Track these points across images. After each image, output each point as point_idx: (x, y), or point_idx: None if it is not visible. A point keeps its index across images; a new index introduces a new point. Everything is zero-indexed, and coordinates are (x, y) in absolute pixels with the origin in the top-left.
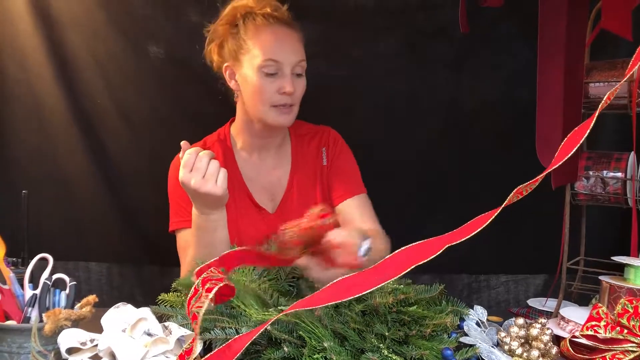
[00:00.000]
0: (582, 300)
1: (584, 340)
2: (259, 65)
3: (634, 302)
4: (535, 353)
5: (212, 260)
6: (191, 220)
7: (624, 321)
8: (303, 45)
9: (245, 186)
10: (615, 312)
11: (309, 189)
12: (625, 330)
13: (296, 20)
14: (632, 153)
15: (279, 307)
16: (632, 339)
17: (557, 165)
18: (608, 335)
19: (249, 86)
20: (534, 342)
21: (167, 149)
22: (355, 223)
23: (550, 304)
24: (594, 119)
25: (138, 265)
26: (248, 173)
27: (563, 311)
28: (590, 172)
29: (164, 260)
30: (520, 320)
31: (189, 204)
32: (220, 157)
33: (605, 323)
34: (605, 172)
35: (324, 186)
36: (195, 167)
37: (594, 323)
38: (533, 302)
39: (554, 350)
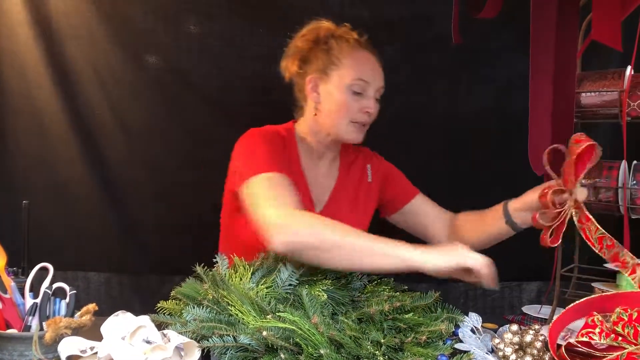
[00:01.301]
0: None
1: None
2: (349, 83)
3: (629, 310)
4: (528, 359)
5: None
6: (281, 168)
7: (619, 329)
8: None
9: (305, 179)
10: (610, 320)
11: (351, 201)
12: (620, 338)
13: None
14: (624, 161)
15: (277, 314)
16: (627, 346)
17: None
18: (603, 342)
19: (332, 100)
20: (527, 349)
21: (166, 158)
22: (433, 211)
23: (545, 311)
24: None
25: (137, 275)
26: (307, 169)
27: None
28: (583, 181)
29: (163, 269)
30: (515, 327)
31: (280, 154)
32: (288, 146)
33: (600, 330)
34: (597, 180)
35: (366, 202)
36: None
37: (589, 330)
38: (528, 309)
39: (547, 356)
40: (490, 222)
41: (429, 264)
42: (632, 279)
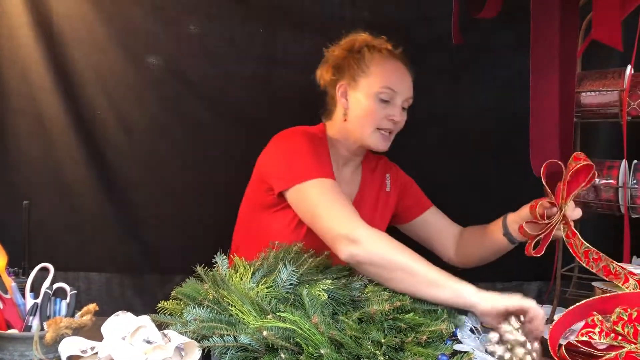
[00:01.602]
0: None
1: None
2: (376, 91)
3: (629, 309)
4: (520, 351)
5: None
6: (330, 172)
7: (619, 328)
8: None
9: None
10: (610, 320)
11: (370, 210)
12: (620, 337)
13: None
14: (624, 161)
15: (277, 314)
16: (627, 345)
17: None
18: (603, 341)
19: (360, 107)
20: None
21: (167, 158)
22: (444, 224)
23: (545, 310)
24: None
25: (138, 275)
26: (335, 173)
27: (558, 317)
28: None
29: (164, 269)
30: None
31: (327, 157)
32: (321, 148)
33: (600, 330)
34: (597, 179)
35: (384, 209)
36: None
37: (589, 330)
38: None
39: (535, 344)
40: (491, 236)
41: (486, 302)
42: (626, 288)
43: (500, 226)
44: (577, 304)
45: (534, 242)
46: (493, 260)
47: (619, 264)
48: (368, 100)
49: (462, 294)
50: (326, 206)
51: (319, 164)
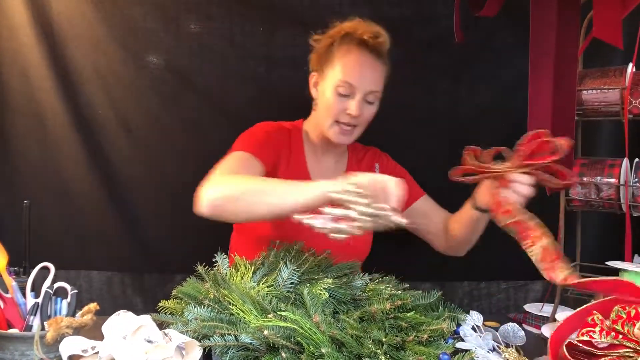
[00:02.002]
0: (578, 305)
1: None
2: (335, 84)
3: (627, 307)
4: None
5: None
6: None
7: (619, 327)
8: (384, 78)
9: (308, 172)
10: (609, 319)
11: None
12: (621, 336)
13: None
14: (625, 159)
15: (278, 313)
16: (628, 344)
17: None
18: (603, 340)
19: (323, 99)
20: None
21: (167, 158)
22: (435, 213)
23: (547, 309)
24: None
25: (139, 274)
26: (311, 163)
27: (559, 316)
28: (584, 179)
29: (165, 268)
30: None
31: (275, 143)
32: (293, 140)
33: (600, 329)
34: (598, 178)
35: None
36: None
37: (589, 329)
38: (530, 308)
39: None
40: (466, 213)
41: (321, 189)
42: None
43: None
44: (576, 310)
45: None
46: (475, 241)
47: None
48: (329, 93)
49: (303, 191)
50: (215, 171)
51: (252, 144)
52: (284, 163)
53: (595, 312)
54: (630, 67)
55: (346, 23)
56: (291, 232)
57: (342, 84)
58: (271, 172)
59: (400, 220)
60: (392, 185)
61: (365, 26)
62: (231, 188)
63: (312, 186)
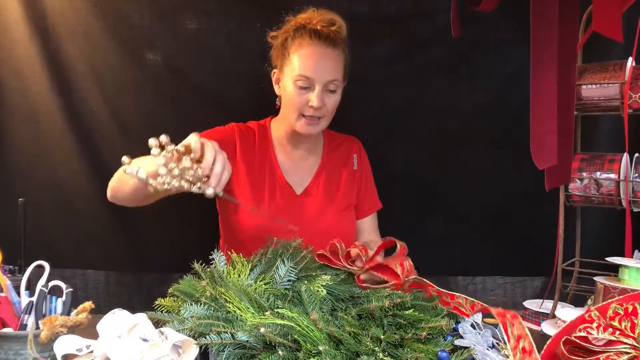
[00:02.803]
0: (578, 301)
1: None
2: (294, 79)
3: (624, 304)
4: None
5: None
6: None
7: (616, 323)
8: (343, 66)
9: (277, 166)
10: (607, 316)
11: (335, 181)
12: (618, 332)
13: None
14: (625, 154)
15: (275, 310)
16: (625, 340)
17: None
18: (601, 336)
19: (285, 94)
20: None
21: None
22: (366, 235)
23: (546, 305)
24: None
25: (136, 273)
26: (280, 156)
27: (559, 312)
28: (584, 174)
29: (162, 268)
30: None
31: (227, 143)
32: (259, 138)
33: (597, 325)
34: (598, 173)
35: (352, 186)
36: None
37: (586, 325)
38: (529, 304)
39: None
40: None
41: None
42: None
43: None
44: (570, 320)
45: None
46: None
47: None
48: (290, 88)
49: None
50: None
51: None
52: (250, 162)
53: (592, 308)
54: (630, 62)
55: (300, 15)
56: (266, 232)
57: (300, 78)
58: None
59: (209, 191)
60: (211, 154)
61: (318, 15)
62: (113, 179)
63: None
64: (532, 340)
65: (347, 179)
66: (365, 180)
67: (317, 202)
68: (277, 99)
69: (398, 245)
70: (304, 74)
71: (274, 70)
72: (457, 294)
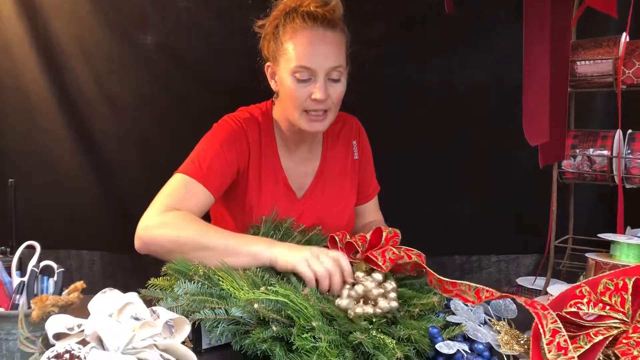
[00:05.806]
0: (570, 278)
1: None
2: (291, 71)
3: (614, 279)
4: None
5: None
6: (211, 183)
7: (606, 299)
8: (344, 49)
9: (282, 169)
10: (597, 291)
11: (336, 182)
12: (608, 307)
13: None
14: (618, 130)
15: (269, 287)
16: (615, 314)
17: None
18: (591, 311)
19: (284, 88)
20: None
21: (155, 136)
22: (369, 216)
23: (539, 282)
24: None
25: (129, 252)
26: (283, 158)
27: (551, 289)
28: (577, 151)
29: None
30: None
31: (220, 171)
32: (264, 136)
33: (587, 300)
34: (591, 150)
35: (353, 179)
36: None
37: (577, 301)
38: (522, 281)
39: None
40: None
41: (279, 260)
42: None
43: None
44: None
45: None
46: None
47: None
48: (288, 82)
49: (258, 257)
50: (159, 198)
51: (205, 164)
52: (255, 159)
53: (583, 284)
54: (624, 37)
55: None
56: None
57: (298, 69)
58: (242, 173)
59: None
60: (345, 263)
61: None
62: (168, 238)
63: (266, 252)
64: (567, 337)
65: (349, 174)
66: (365, 167)
67: (317, 206)
68: (275, 95)
69: (384, 234)
70: (302, 64)
71: (268, 64)
72: (459, 281)
